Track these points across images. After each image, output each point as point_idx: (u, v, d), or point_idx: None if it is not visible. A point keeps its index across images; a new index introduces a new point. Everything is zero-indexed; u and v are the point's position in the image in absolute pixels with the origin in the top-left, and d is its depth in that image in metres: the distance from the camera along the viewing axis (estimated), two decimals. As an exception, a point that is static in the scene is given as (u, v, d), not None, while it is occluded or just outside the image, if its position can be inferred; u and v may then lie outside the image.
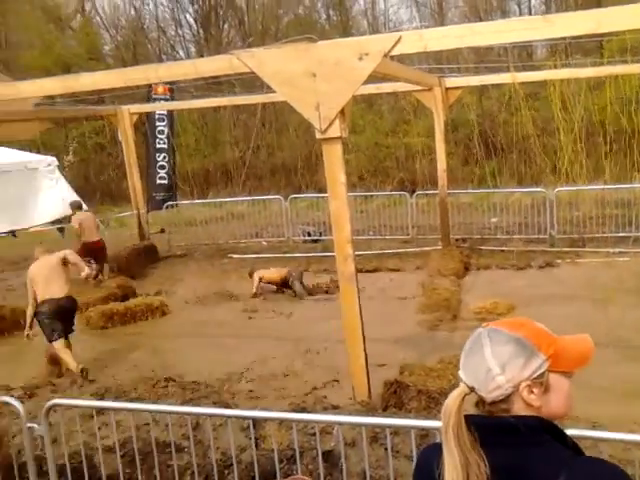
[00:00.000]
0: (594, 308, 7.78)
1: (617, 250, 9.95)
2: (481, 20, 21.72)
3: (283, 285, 10.08)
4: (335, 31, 25.22)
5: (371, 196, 15.53)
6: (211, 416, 4.39)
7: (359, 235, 12.33)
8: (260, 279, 10.02)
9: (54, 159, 19.23)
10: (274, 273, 10.11)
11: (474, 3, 24.92)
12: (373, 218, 13.62)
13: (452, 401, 1.44)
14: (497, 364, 1.43)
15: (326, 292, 9.80)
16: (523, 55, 22.33)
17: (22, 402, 4.55)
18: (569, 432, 1.50)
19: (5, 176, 16.36)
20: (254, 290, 9.91)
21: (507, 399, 1.44)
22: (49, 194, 17.44)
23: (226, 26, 28.88)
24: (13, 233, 14.16)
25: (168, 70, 6.90)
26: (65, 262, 7.03)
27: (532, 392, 1.43)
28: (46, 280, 6.85)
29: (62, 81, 6.91)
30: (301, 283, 9.90)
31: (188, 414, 4.49)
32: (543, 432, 1.41)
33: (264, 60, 5.40)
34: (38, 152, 19.77)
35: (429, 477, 1.46)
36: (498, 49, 20.29)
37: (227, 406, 5.45)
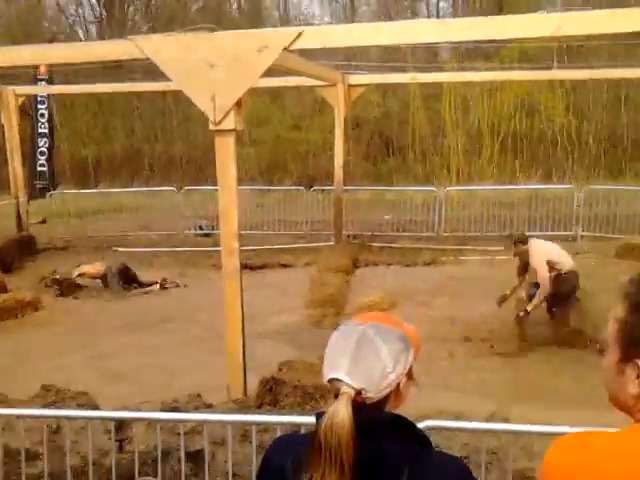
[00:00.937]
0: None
1: (496, 249, 10.35)
2: (391, 19, 22.12)
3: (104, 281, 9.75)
4: (246, 21, 24.91)
5: (269, 190, 15.41)
6: (71, 419, 4.16)
7: (252, 229, 12.21)
8: (82, 275, 9.74)
9: None
10: (93, 268, 9.80)
11: (384, 3, 25.43)
12: (270, 213, 13.50)
13: (346, 416, 1.31)
14: (391, 361, 1.40)
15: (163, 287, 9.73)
16: (428, 56, 22.90)
17: None
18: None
19: None
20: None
21: (388, 395, 1.41)
22: None
23: (132, 9, 27.91)
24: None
25: (59, 51, 6.48)
26: None
27: (404, 384, 1.44)
28: None
29: None
30: (120, 278, 9.63)
31: (46, 417, 4.23)
32: (391, 427, 1.37)
33: (161, 47, 5.22)
34: None
35: (280, 476, 1.40)
36: (405, 49, 20.71)
37: (95, 408, 5.20)
